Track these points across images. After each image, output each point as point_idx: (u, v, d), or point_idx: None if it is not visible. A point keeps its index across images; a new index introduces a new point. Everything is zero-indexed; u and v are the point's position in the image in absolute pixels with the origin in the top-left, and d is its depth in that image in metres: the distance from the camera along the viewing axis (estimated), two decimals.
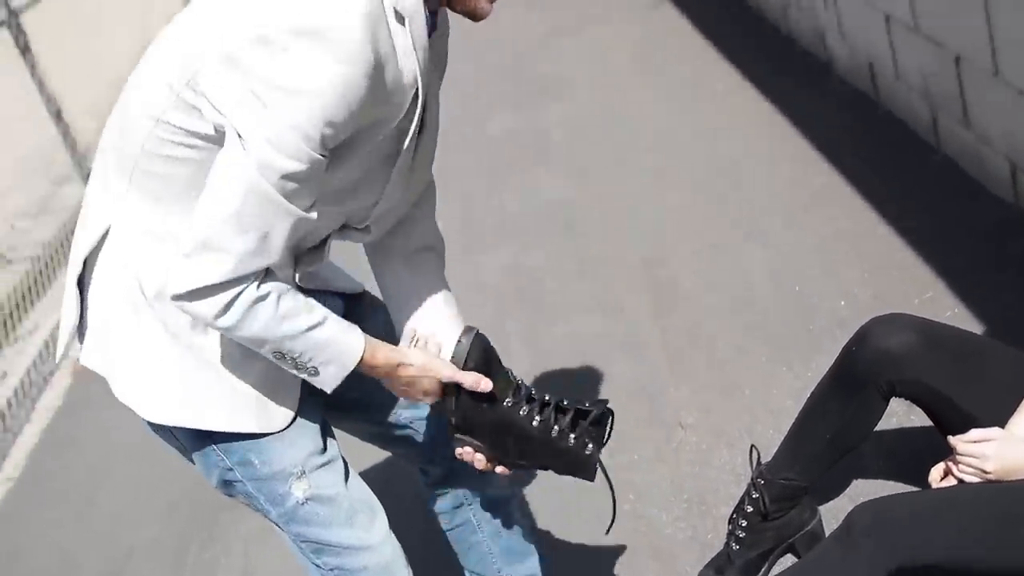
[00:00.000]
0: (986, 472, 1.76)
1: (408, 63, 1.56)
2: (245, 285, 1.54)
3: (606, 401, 1.83)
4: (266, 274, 1.56)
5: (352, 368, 1.67)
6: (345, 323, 1.68)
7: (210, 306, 1.54)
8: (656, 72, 5.28)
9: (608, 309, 3.48)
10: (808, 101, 4.37)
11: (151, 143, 1.62)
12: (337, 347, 1.66)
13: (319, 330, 1.62)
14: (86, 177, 5.65)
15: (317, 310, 1.64)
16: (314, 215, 1.56)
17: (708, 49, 5.29)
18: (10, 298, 5.15)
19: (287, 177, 1.49)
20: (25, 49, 5.51)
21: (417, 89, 1.60)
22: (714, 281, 3.41)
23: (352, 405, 1.92)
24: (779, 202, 3.73)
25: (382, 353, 1.71)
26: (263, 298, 1.56)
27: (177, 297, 1.54)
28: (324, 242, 1.77)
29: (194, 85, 1.54)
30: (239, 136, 1.49)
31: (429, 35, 1.61)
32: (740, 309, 3.23)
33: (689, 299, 3.38)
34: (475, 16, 1.64)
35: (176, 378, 1.71)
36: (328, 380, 1.67)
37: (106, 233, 1.72)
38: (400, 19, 1.53)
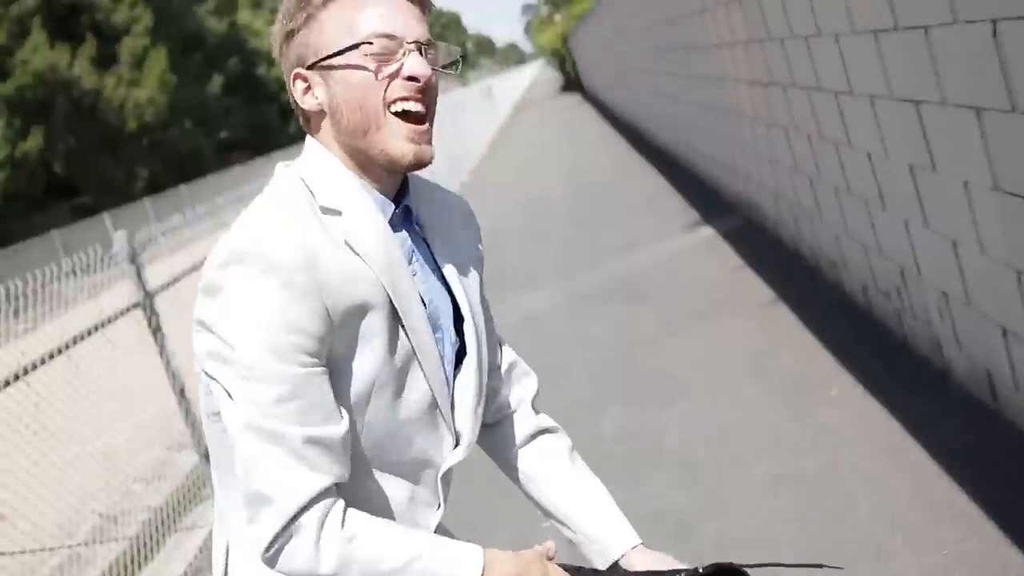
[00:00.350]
0: None
1: (345, 254, 1.53)
2: (315, 519, 1.48)
3: None
4: (343, 510, 1.51)
5: None
6: (455, 545, 1.56)
7: (300, 555, 1.48)
8: (769, 374, 5.28)
9: None
10: (925, 409, 4.29)
11: (209, 432, 1.66)
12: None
13: (420, 562, 1.52)
14: (199, 446, 5.83)
15: (413, 539, 1.54)
16: (334, 430, 1.50)
17: (822, 352, 5.29)
18: (118, 561, 5.20)
19: (280, 400, 1.47)
20: (156, 329, 5.79)
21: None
22: None
23: None
24: (897, 517, 3.61)
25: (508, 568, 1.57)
26: (352, 538, 1.49)
27: (272, 564, 1.50)
28: (427, 466, 1.69)
29: (200, 363, 1.57)
30: (225, 391, 1.49)
31: (399, 207, 1.63)
32: None
33: None
34: (397, 161, 1.58)
35: None
36: None
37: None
38: (332, 212, 1.55)
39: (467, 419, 1.71)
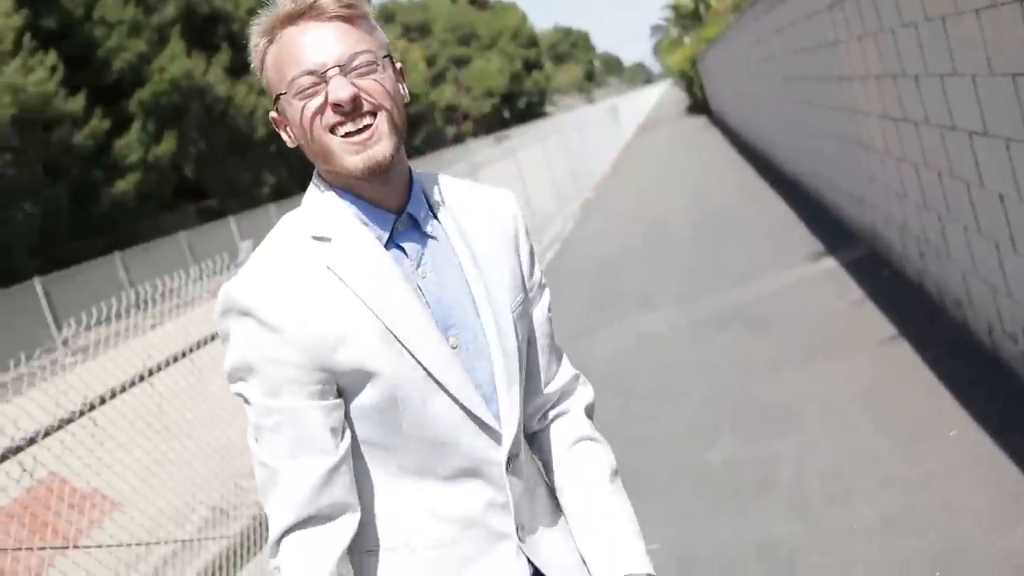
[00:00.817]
0: None
1: (330, 280, 1.67)
2: (289, 547, 1.67)
3: None
4: (325, 544, 1.68)
5: None
6: None
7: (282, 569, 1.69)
8: (886, 411, 5.23)
9: None
10: None
11: None
12: None
13: None
14: None
15: None
16: (325, 461, 1.67)
17: (942, 391, 5.22)
18: (223, 553, 5.39)
19: (273, 432, 1.67)
20: None
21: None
22: None
23: None
24: (1011, 561, 3.56)
25: None
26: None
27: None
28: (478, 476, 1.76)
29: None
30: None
31: (404, 216, 1.74)
32: None
33: None
34: (349, 173, 1.69)
35: None
36: None
37: None
38: (322, 240, 1.69)
39: (505, 405, 1.77)
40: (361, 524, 1.74)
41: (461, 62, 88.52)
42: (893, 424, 5.05)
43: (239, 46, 31.52)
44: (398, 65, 1.76)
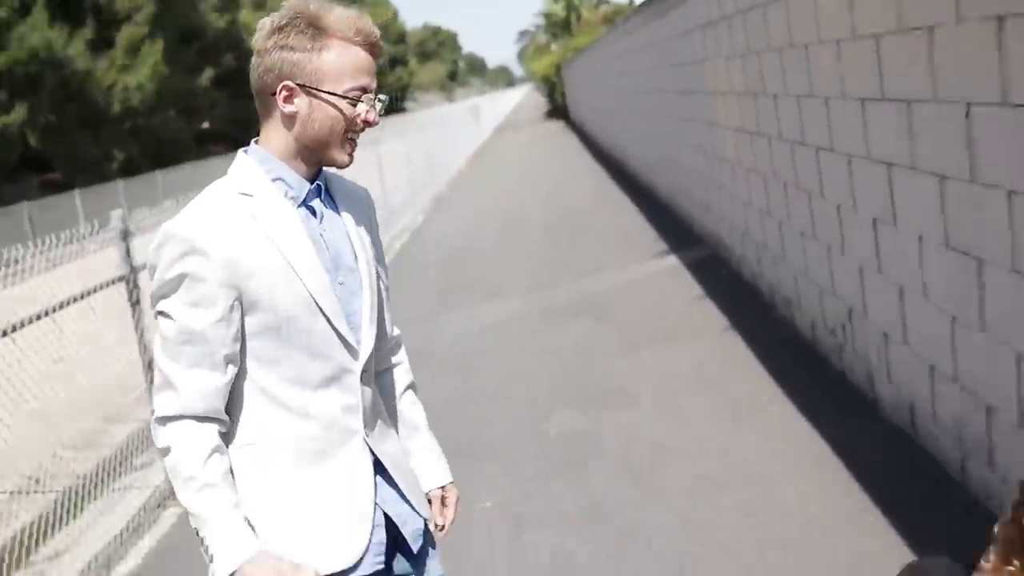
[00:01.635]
0: None
1: (251, 225, 2.14)
2: (174, 428, 2.13)
3: None
4: (214, 422, 2.14)
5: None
6: (237, 528, 2.09)
7: (160, 439, 2.14)
8: (715, 393, 5.65)
9: None
10: (853, 434, 4.67)
11: None
12: (220, 537, 2.08)
13: (209, 521, 2.09)
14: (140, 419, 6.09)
15: (219, 499, 2.10)
16: (217, 378, 2.13)
17: (766, 378, 5.67)
18: (33, 524, 5.38)
19: (183, 344, 2.12)
20: (136, 303, 6.05)
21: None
22: None
23: None
24: (816, 520, 3.98)
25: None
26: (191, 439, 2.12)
27: (155, 430, 2.15)
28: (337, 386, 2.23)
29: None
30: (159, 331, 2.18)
31: (314, 186, 2.24)
32: None
33: None
34: (337, 165, 2.23)
35: None
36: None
37: None
38: (246, 195, 2.17)
39: (367, 329, 2.27)
40: (242, 421, 2.20)
41: None
42: (719, 404, 5.47)
43: (104, 20, 29.91)
44: None
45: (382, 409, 2.39)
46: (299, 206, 2.22)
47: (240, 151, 2.27)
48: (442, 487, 2.56)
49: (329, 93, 2.15)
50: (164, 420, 2.13)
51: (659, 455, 5.00)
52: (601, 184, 17.03)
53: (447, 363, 7.48)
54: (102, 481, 5.95)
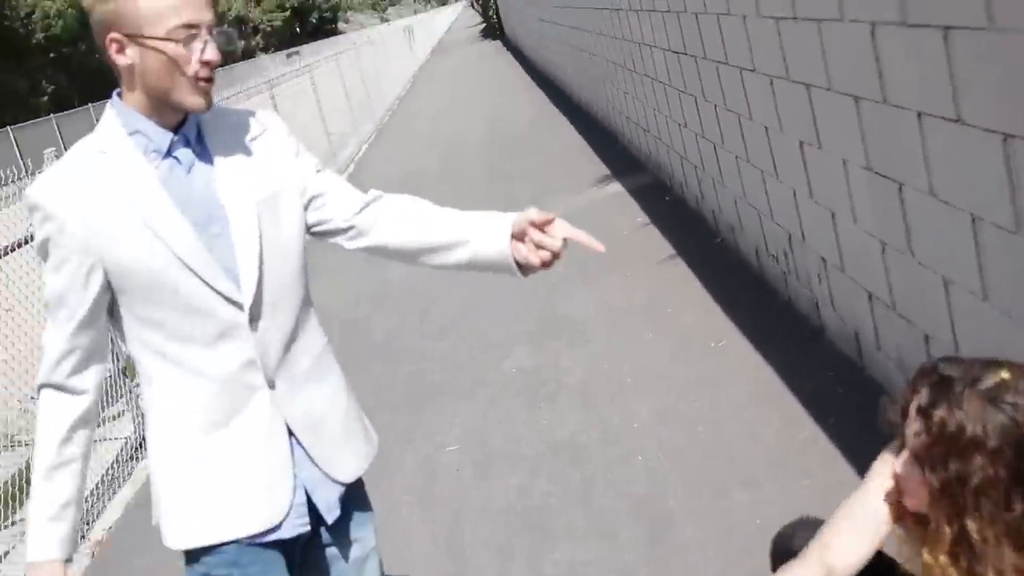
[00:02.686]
0: None
1: (111, 181, 2.08)
2: (46, 396, 2.18)
3: None
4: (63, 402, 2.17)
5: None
6: (54, 526, 2.12)
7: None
8: (664, 322, 5.75)
9: (605, 537, 3.81)
10: (800, 362, 4.78)
11: None
12: (31, 534, 2.12)
13: (40, 495, 2.14)
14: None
15: (59, 482, 2.15)
16: (79, 339, 2.14)
17: (713, 306, 5.76)
18: (13, 480, 5.43)
19: (53, 307, 2.13)
20: None
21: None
22: (704, 518, 3.75)
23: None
24: (768, 453, 4.10)
25: None
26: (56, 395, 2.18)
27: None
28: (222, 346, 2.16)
29: None
30: None
31: (179, 135, 2.14)
32: (727, 544, 3.55)
33: (682, 534, 3.71)
34: (192, 110, 2.11)
35: None
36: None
37: None
38: (101, 152, 2.11)
39: (246, 279, 2.16)
40: (146, 383, 2.21)
41: None
42: (670, 334, 5.57)
43: None
44: None
45: (299, 358, 2.27)
46: (164, 158, 2.13)
47: (108, 103, 2.18)
48: (516, 224, 2.28)
49: (152, 38, 2.02)
50: (39, 387, 2.18)
51: (616, 389, 5.11)
52: (540, 106, 16.91)
53: (401, 302, 7.59)
54: None
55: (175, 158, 2.14)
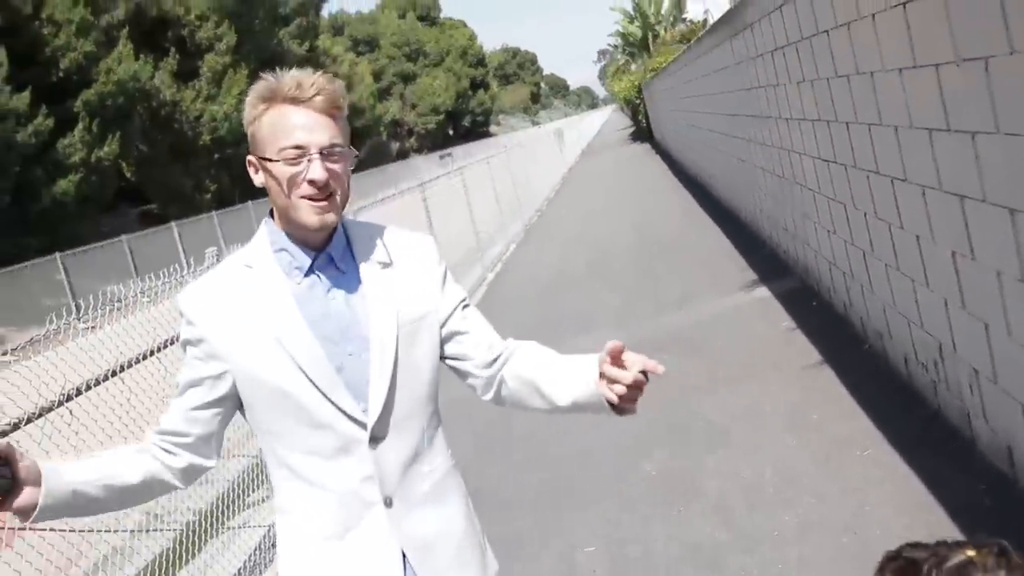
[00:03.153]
0: None
1: (250, 295, 2.20)
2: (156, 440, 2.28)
3: None
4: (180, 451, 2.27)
5: None
6: (66, 466, 2.14)
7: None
8: (808, 430, 5.66)
9: None
10: (949, 474, 4.65)
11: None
12: None
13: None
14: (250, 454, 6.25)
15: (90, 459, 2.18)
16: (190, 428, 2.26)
17: (860, 414, 5.65)
18: (156, 560, 5.59)
19: (179, 394, 2.26)
20: None
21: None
22: None
23: None
24: None
25: None
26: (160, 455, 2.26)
27: None
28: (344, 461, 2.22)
29: None
30: None
31: (324, 253, 2.24)
32: None
33: None
34: (307, 227, 2.19)
35: None
36: None
37: None
38: (248, 267, 2.23)
39: (374, 399, 2.22)
40: (276, 490, 2.30)
41: (408, 78, 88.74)
42: (814, 441, 5.47)
43: (187, 51, 30.79)
44: (351, 151, 2.25)
45: (419, 478, 2.29)
46: (306, 275, 2.23)
47: (265, 219, 2.32)
48: (598, 364, 2.22)
49: (267, 160, 2.16)
50: (154, 431, 2.30)
51: (755, 497, 5.04)
52: (687, 209, 16.95)
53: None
54: (217, 519, 6.11)
55: (317, 275, 2.23)
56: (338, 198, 2.19)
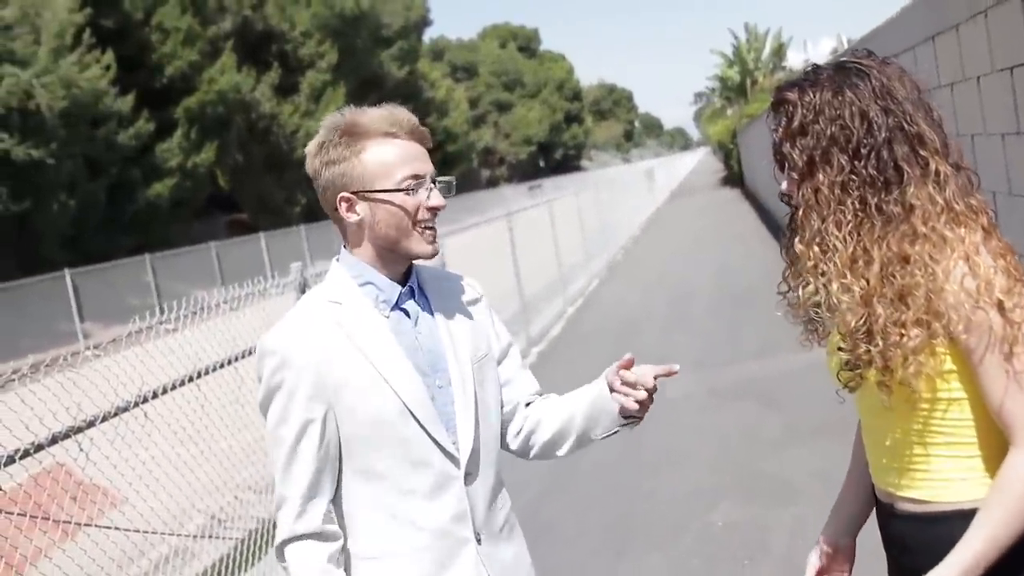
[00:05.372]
0: None
1: (342, 330, 2.17)
2: (291, 549, 2.18)
3: None
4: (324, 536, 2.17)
5: None
6: None
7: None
8: None
9: None
10: None
11: None
12: None
13: None
14: None
15: None
16: (317, 499, 2.16)
17: None
18: (215, 566, 5.59)
19: (284, 467, 2.16)
20: None
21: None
22: None
23: None
24: None
25: None
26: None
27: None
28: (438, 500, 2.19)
29: None
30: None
31: (407, 288, 2.24)
32: None
33: None
34: (419, 256, 2.22)
35: None
36: None
37: None
38: (335, 303, 2.20)
39: (464, 432, 2.23)
40: (360, 535, 2.21)
41: (503, 107, 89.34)
42: None
43: (289, 66, 31.45)
44: None
45: (498, 514, 2.31)
46: (392, 309, 2.23)
47: (333, 260, 2.32)
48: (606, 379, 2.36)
49: (382, 191, 2.16)
50: (283, 543, 2.18)
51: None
52: (773, 259, 16.64)
53: (615, 437, 7.40)
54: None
55: (403, 310, 2.24)
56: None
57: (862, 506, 2.33)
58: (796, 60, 47.40)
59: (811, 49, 39.98)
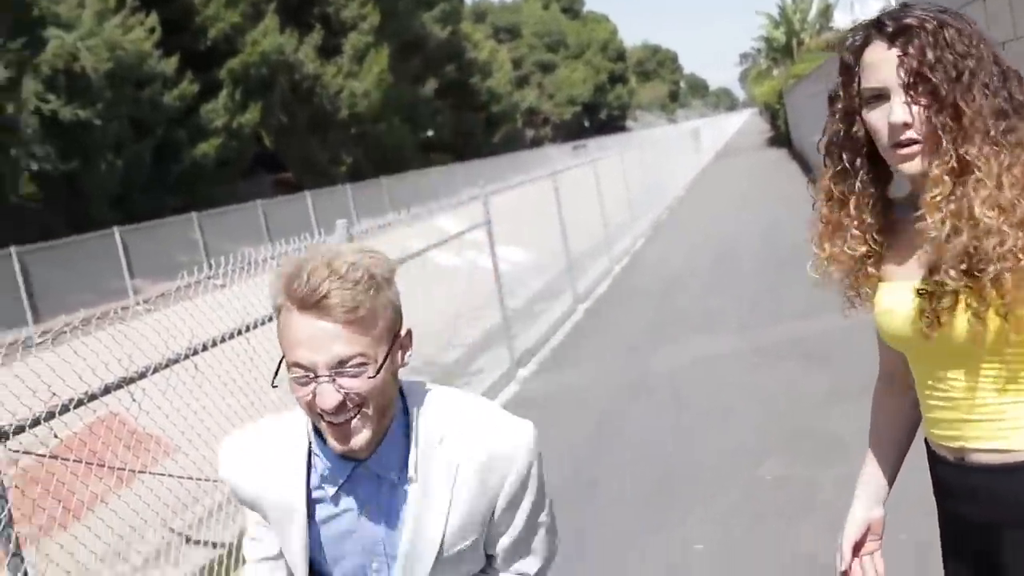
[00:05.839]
0: None
1: (276, 483, 1.94)
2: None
3: None
4: None
5: None
6: None
7: None
8: None
9: None
10: None
11: None
12: None
13: None
14: None
15: None
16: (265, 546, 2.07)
17: None
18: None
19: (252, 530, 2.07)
20: None
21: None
22: None
23: None
24: None
25: None
26: None
27: None
28: None
29: None
30: None
31: (352, 471, 1.87)
32: None
33: None
34: (335, 449, 1.82)
35: None
36: None
37: None
38: (290, 449, 1.96)
39: None
40: None
41: (547, 68, 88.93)
42: None
43: (332, 28, 31.60)
44: (402, 333, 1.85)
45: None
46: (339, 487, 1.90)
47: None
48: None
49: (281, 366, 1.80)
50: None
51: None
52: None
53: (660, 395, 7.59)
54: None
55: (350, 493, 1.91)
56: (369, 413, 1.77)
57: (890, 475, 2.31)
58: (843, 20, 46.73)
59: (859, 9, 39.38)
